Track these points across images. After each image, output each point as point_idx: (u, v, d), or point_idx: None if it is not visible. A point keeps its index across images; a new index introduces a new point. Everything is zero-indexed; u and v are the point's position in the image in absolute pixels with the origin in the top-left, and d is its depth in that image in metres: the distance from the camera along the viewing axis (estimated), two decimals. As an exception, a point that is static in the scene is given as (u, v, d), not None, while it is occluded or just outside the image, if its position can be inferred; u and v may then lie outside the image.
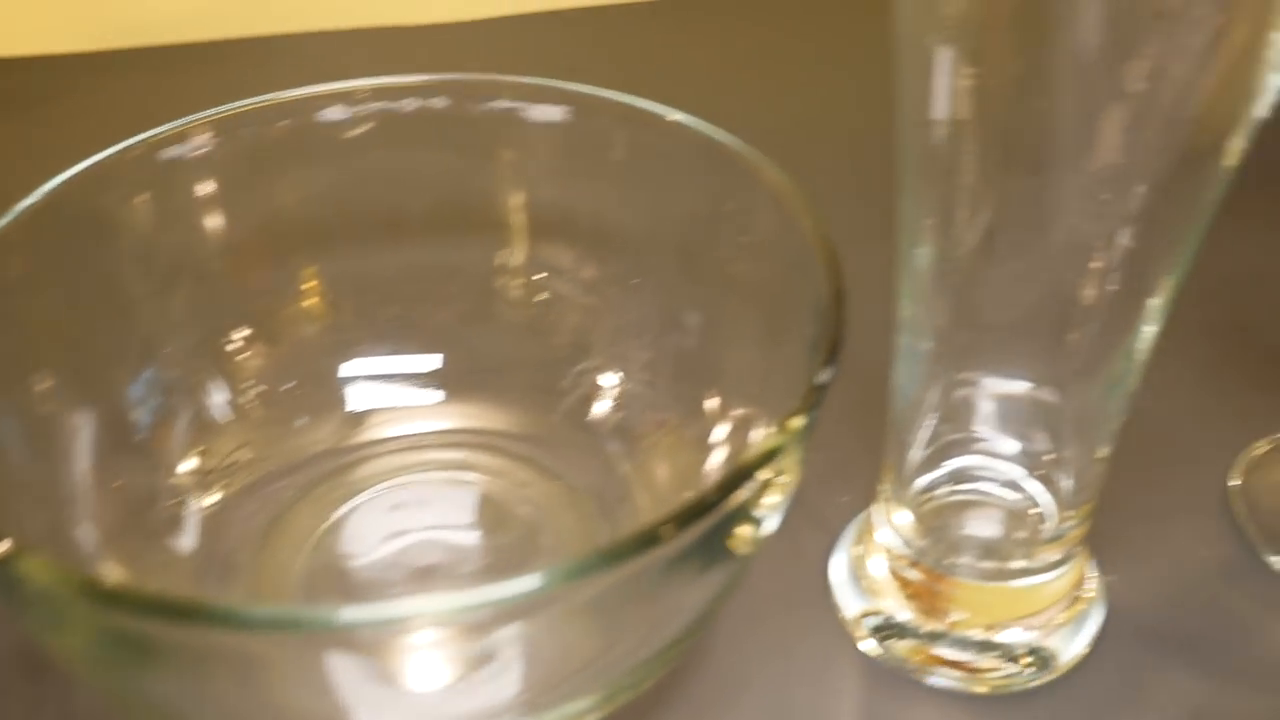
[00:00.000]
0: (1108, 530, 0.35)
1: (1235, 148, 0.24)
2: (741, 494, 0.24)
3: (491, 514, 0.34)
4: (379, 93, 0.34)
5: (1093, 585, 0.34)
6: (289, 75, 0.35)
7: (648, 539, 0.22)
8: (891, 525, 0.32)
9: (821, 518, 0.36)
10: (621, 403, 0.35)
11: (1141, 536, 0.36)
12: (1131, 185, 0.24)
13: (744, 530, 0.25)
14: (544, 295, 0.36)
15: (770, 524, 0.26)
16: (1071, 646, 0.32)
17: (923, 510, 0.32)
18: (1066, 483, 0.30)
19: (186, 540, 0.32)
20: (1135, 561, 0.35)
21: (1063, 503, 0.31)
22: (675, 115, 0.32)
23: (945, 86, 0.24)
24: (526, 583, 0.21)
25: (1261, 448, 0.38)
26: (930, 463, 0.31)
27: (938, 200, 0.26)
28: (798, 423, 0.25)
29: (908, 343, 0.29)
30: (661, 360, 0.34)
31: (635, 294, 0.34)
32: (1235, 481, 0.37)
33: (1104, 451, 0.30)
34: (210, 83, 0.57)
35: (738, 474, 0.23)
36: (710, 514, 0.23)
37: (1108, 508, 0.35)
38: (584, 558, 0.21)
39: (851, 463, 0.37)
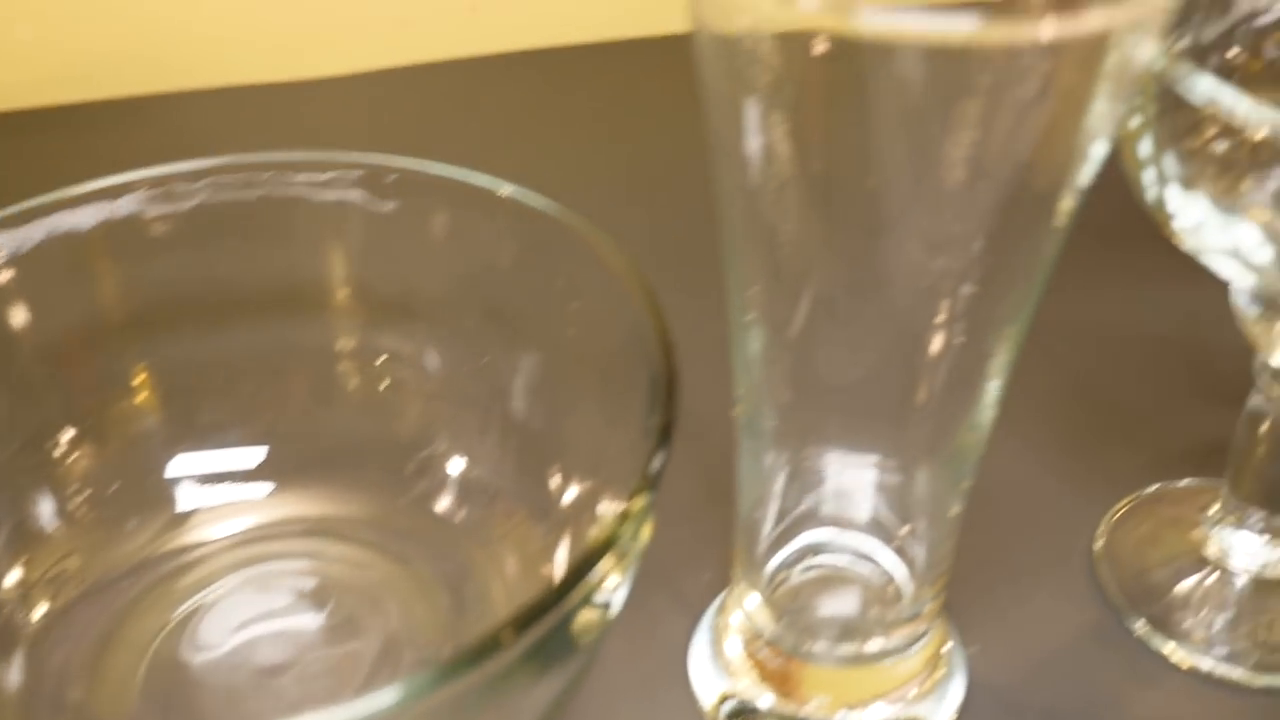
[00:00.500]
0: (969, 598, 0.35)
1: (1065, 209, 0.24)
2: (581, 588, 0.23)
3: (338, 604, 0.33)
4: (196, 175, 0.32)
5: (952, 653, 0.33)
6: (145, 141, 0.34)
7: (488, 647, 0.21)
8: (744, 610, 0.32)
9: (684, 597, 0.35)
10: (468, 489, 0.34)
11: (1004, 604, 0.35)
12: (966, 244, 0.24)
13: (588, 618, 0.24)
14: (383, 380, 0.35)
15: (615, 607, 0.25)
16: (938, 717, 0.32)
17: (777, 594, 0.31)
18: (920, 553, 0.30)
19: (13, 670, 0.30)
20: (998, 630, 0.35)
21: (918, 576, 0.30)
22: (506, 189, 0.31)
23: (760, 148, 0.23)
24: (369, 704, 0.20)
25: (1124, 507, 0.38)
26: (781, 541, 0.30)
27: (762, 266, 0.25)
28: (636, 506, 0.24)
29: (748, 420, 0.29)
30: (506, 443, 0.33)
31: (476, 375, 0.33)
32: (1099, 544, 0.37)
33: (955, 513, 0.29)
34: (75, 149, 0.55)
35: (578, 568, 0.23)
36: (551, 613, 0.22)
37: (969, 576, 0.35)
38: (420, 677, 0.21)
39: (715, 538, 0.36)
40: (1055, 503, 0.39)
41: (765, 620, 0.31)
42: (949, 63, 0.21)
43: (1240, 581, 0.36)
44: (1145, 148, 0.27)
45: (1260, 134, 0.24)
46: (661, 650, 0.34)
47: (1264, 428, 0.33)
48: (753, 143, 0.23)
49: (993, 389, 0.27)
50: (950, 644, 0.33)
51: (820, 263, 0.25)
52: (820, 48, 0.21)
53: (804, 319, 0.26)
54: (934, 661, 0.32)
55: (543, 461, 0.32)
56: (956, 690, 0.32)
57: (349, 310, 0.34)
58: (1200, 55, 0.30)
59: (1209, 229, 0.27)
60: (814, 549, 0.30)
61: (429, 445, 0.34)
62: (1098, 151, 0.23)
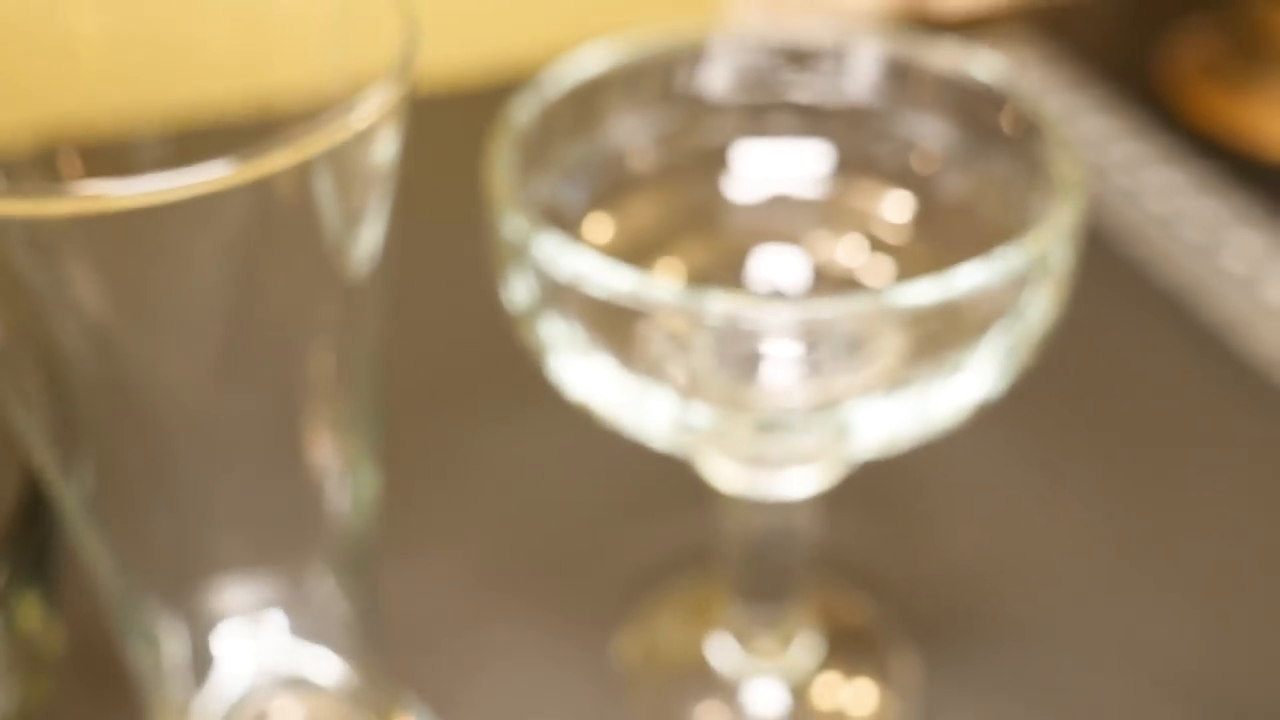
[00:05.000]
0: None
1: (366, 290, 0.24)
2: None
3: None
4: None
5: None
6: None
7: None
8: None
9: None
10: None
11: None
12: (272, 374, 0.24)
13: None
14: None
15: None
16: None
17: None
18: (356, 663, 0.30)
19: None
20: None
21: (364, 679, 0.30)
22: None
23: None
24: None
25: (640, 618, 0.38)
26: (207, 704, 0.29)
27: (41, 436, 0.24)
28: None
29: (112, 586, 0.27)
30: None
31: None
32: (620, 657, 0.37)
33: (368, 615, 0.29)
34: None
35: None
36: None
37: (475, 696, 0.35)
38: None
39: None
40: (573, 626, 0.38)
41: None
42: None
43: (759, 693, 0.35)
44: (521, 300, 0.26)
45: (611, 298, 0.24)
46: None
47: (736, 532, 0.33)
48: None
49: (368, 484, 0.27)
50: None
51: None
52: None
53: (131, 468, 0.25)
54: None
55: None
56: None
57: None
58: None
59: (599, 392, 0.26)
60: (246, 697, 0.29)
61: None
62: (370, 237, 0.24)
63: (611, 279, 0.23)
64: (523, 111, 0.28)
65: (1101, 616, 0.38)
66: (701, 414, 0.25)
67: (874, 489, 0.41)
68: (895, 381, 0.25)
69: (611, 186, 0.30)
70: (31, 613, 0.30)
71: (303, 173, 0.21)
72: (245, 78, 0.26)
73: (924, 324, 0.24)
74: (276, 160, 0.21)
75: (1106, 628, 0.37)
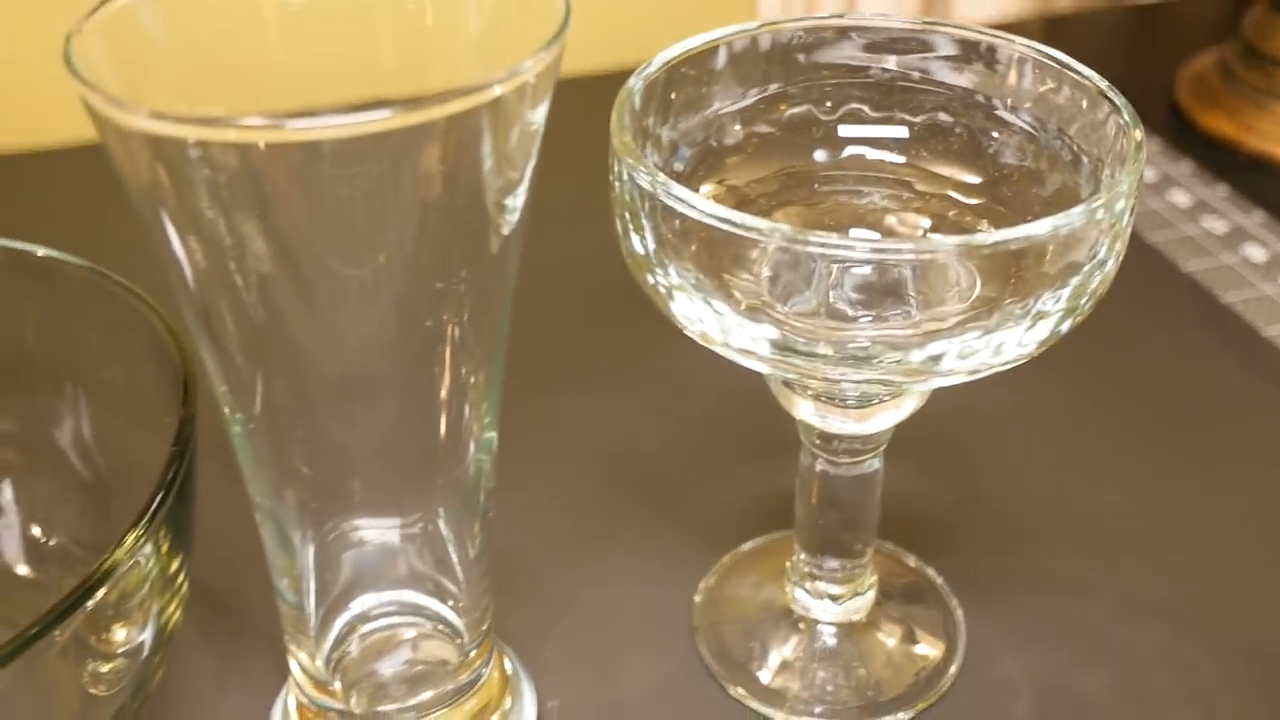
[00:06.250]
0: (555, 653, 0.37)
1: (503, 248, 0.27)
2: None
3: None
4: None
5: (517, 682, 0.35)
6: None
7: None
8: (308, 695, 0.33)
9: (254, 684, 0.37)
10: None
11: (595, 661, 0.37)
12: (419, 301, 0.26)
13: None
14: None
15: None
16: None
17: (339, 669, 0.32)
18: (461, 592, 0.32)
19: None
20: (584, 687, 0.36)
21: (465, 614, 0.32)
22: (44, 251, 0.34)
23: (182, 254, 0.25)
24: None
25: (720, 568, 0.41)
26: (331, 618, 0.32)
27: (218, 364, 0.27)
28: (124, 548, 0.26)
29: (264, 507, 0.30)
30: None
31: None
32: (697, 609, 0.39)
33: (482, 548, 0.32)
34: None
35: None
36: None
37: (560, 631, 0.37)
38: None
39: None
40: (654, 570, 0.40)
41: (331, 697, 0.33)
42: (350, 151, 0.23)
43: (827, 632, 0.38)
44: (640, 248, 0.29)
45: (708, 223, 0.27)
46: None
47: (814, 480, 0.36)
48: (175, 248, 0.25)
49: (489, 436, 0.30)
50: (511, 669, 0.35)
51: (272, 355, 0.27)
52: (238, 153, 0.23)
53: (289, 403, 0.28)
54: (503, 690, 0.34)
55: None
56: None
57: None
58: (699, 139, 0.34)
59: (713, 329, 0.29)
60: (363, 616, 0.32)
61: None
62: (519, 199, 0.26)
63: (728, 214, 0.26)
64: (636, 86, 0.31)
65: (1140, 572, 0.40)
66: (799, 345, 0.28)
67: (927, 450, 0.44)
68: (975, 322, 0.28)
69: (708, 160, 0.33)
70: (170, 548, 0.32)
71: (468, 129, 0.24)
72: (410, 83, 0.28)
73: (1003, 267, 0.27)
74: (436, 110, 0.23)
75: (1145, 582, 0.40)
